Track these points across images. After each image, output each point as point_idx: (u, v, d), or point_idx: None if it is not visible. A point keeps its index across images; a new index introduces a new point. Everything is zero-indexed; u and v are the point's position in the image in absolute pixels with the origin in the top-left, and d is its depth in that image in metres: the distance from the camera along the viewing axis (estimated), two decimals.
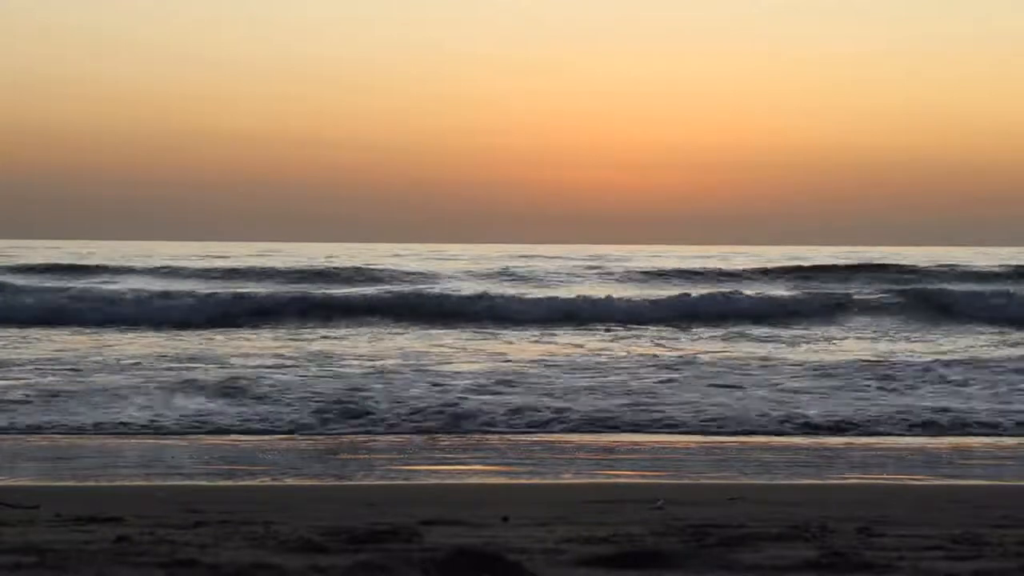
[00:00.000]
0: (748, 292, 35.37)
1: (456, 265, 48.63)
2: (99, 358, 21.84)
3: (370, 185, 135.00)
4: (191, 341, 25.93)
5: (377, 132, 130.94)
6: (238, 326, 29.52)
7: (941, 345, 25.92)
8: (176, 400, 16.47)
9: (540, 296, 34.64)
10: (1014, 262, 47.57)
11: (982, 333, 28.89)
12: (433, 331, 28.39)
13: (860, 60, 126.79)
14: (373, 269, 43.12)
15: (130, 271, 41.63)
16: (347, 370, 20.06)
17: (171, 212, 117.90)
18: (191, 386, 17.61)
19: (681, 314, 31.71)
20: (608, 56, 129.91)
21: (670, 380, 19.15)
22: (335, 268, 43.18)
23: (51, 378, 18.81)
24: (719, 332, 28.64)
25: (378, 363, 21.04)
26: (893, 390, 18.21)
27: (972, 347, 25.47)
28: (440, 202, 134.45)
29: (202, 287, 35.65)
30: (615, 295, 34.54)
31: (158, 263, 45.13)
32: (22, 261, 45.49)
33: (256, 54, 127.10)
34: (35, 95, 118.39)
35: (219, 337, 26.99)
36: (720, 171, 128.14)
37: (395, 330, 29.06)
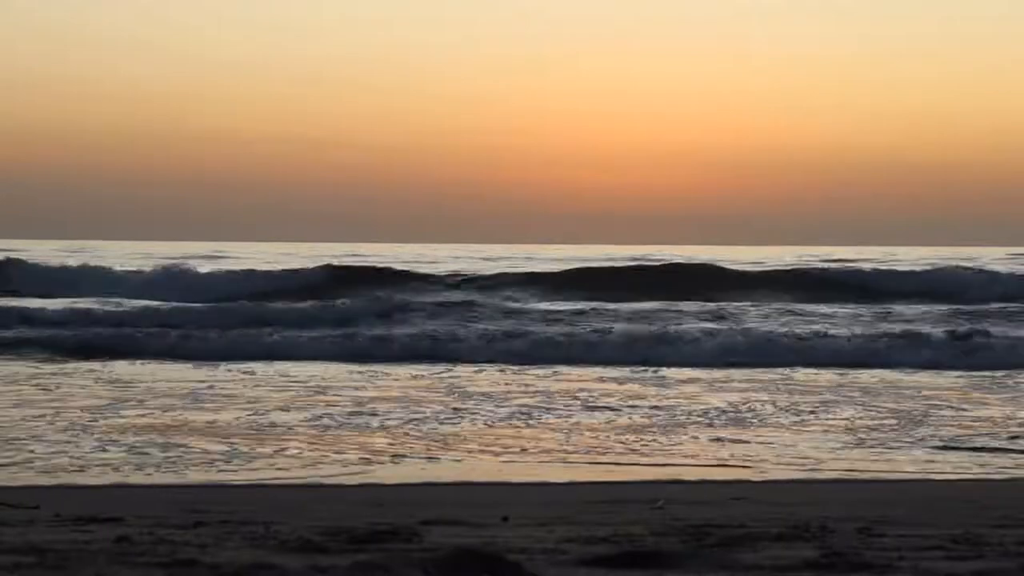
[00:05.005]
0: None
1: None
2: None
3: (370, 185, 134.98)
4: None
5: (377, 132, 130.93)
6: None
7: None
8: None
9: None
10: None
11: None
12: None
13: (861, 60, 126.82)
14: None
15: None
16: None
17: (171, 212, 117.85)
18: None
19: None
20: (609, 56, 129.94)
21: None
22: None
23: None
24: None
25: None
26: None
27: None
28: (440, 202, 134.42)
29: None
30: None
31: None
32: None
33: (256, 54, 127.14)
34: (35, 95, 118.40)
35: None
36: (721, 171, 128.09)
37: None
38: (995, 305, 32.46)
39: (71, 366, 21.88)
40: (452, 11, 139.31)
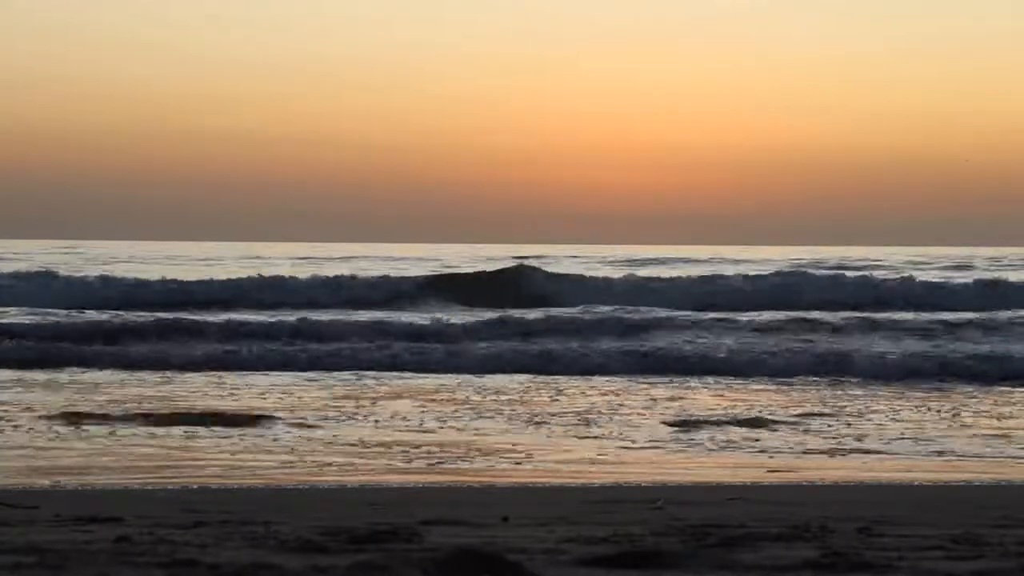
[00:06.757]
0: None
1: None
2: None
3: (370, 185, 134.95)
4: None
5: (377, 132, 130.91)
6: None
7: None
8: None
9: None
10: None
11: None
12: None
13: (861, 60, 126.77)
14: None
15: None
16: None
17: (171, 212, 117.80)
18: None
19: None
20: (609, 56, 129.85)
21: None
22: None
23: None
24: None
25: None
26: None
27: None
28: (440, 202, 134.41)
29: None
30: None
31: None
32: None
33: (256, 54, 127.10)
34: (35, 95, 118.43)
35: None
36: (721, 171, 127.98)
37: None
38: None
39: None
40: (452, 11, 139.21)
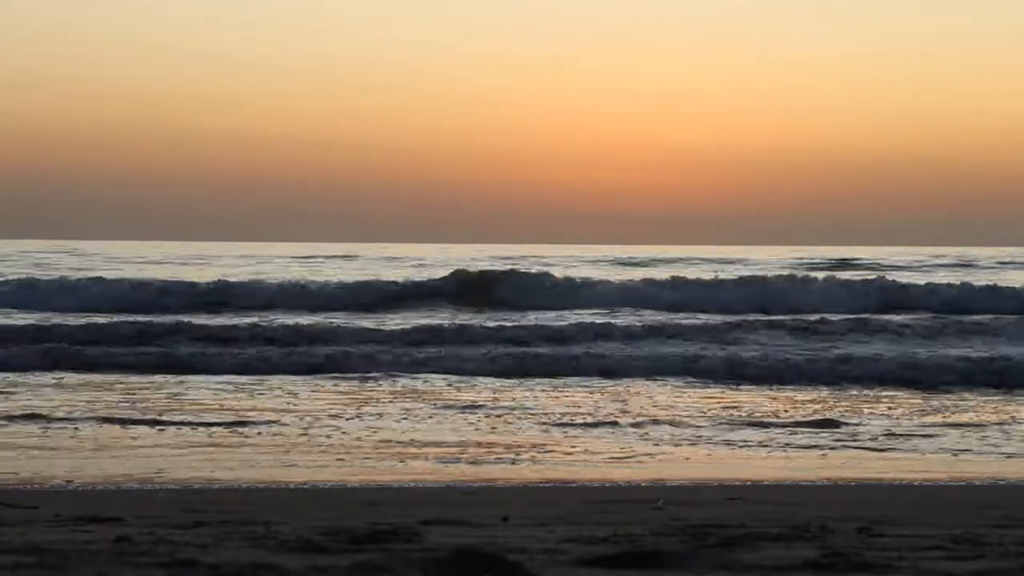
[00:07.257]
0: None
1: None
2: None
3: (370, 185, 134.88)
4: None
5: (377, 132, 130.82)
6: None
7: None
8: None
9: None
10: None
11: None
12: None
13: (861, 60, 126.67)
14: None
15: None
16: None
17: (171, 212, 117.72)
18: None
19: None
20: (609, 56, 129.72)
21: None
22: None
23: None
24: None
25: None
26: None
27: None
28: (440, 202, 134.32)
29: None
30: None
31: None
32: None
33: (256, 54, 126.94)
34: (35, 95, 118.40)
35: None
36: (721, 171, 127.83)
37: None
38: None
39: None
40: (452, 11, 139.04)
